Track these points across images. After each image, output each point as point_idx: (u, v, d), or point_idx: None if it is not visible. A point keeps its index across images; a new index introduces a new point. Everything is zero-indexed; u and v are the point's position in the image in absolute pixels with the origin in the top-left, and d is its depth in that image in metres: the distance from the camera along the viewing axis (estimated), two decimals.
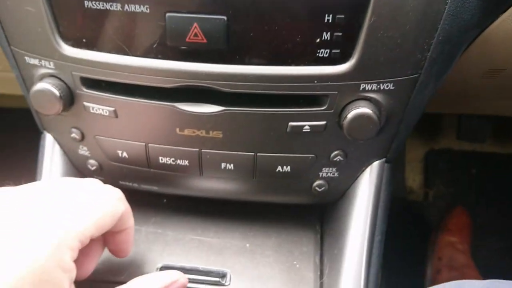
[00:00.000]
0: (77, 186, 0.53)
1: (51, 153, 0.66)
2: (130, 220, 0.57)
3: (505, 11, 0.56)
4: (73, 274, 0.46)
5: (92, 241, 0.51)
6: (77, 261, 0.47)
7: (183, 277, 0.58)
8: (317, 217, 0.74)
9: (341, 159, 0.60)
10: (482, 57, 0.66)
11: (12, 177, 0.63)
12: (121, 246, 0.58)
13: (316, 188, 0.63)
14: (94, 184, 0.55)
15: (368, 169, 0.63)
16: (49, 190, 0.50)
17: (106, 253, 0.66)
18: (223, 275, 0.64)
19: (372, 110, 0.53)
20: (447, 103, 1.04)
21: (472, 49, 0.61)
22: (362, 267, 0.59)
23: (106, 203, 0.52)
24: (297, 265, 0.67)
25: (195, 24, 0.49)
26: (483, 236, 1.60)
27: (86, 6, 0.50)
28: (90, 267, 0.57)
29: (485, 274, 1.34)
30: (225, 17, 0.48)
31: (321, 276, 0.64)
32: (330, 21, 0.48)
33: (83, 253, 0.50)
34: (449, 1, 0.49)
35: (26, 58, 0.57)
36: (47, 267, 0.43)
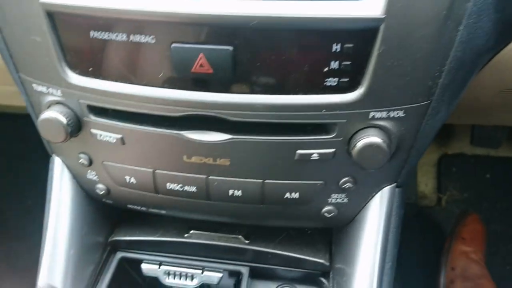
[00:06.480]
0: None
1: (60, 176, 0.67)
2: None
3: None
4: None
5: None
6: None
7: None
8: None
9: (351, 185, 0.59)
10: (495, 78, 0.64)
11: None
12: None
13: (325, 214, 0.63)
14: None
15: (378, 194, 0.62)
16: None
17: (141, 217, 0.75)
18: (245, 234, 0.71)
19: (382, 139, 0.52)
20: (457, 116, 1.03)
21: (485, 71, 0.60)
22: None
23: None
24: (309, 231, 0.74)
25: (201, 55, 0.49)
26: (497, 243, 1.57)
27: (91, 36, 0.50)
28: None
29: (501, 283, 1.32)
30: (231, 47, 0.48)
31: None
32: (338, 50, 0.47)
33: None
34: (461, 28, 0.48)
35: (34, 85, 0.58)
36: None
